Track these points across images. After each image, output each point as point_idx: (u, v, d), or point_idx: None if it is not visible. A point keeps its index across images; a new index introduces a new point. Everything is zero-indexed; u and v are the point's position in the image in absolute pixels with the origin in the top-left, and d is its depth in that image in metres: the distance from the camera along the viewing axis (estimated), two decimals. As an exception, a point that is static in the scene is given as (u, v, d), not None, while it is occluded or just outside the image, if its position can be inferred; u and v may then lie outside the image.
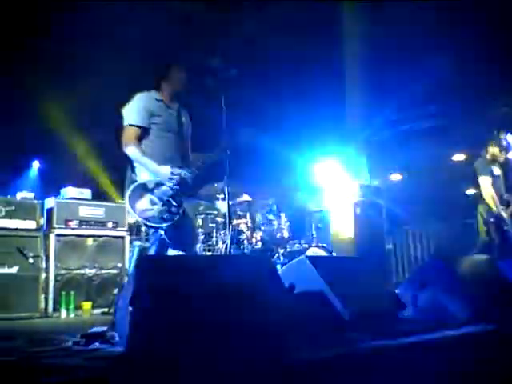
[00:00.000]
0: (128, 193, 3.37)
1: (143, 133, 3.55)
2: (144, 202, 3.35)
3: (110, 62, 8.10)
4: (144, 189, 3.40)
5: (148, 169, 3.47)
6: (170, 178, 3.42)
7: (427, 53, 8.20)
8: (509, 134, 7.11)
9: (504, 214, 5.94)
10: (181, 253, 3.53)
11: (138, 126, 3.53)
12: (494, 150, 6.18)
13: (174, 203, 3.40)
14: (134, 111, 3.57)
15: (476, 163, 6.20)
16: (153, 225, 3.37)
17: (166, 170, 3.44)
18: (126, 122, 3.56)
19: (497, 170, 6.16)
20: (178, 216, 3.40)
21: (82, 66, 7.93)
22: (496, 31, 7.79)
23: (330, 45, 8.40)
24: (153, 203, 3.36)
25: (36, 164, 9.00)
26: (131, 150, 3.49)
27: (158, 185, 3.42)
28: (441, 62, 8.12)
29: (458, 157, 11.70)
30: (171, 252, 3.54)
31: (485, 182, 5.99)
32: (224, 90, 3.67)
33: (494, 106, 8.80)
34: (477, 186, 6.08)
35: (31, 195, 5.95)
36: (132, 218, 3.49)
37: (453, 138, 10.04)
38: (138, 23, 7.52)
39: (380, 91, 8.57)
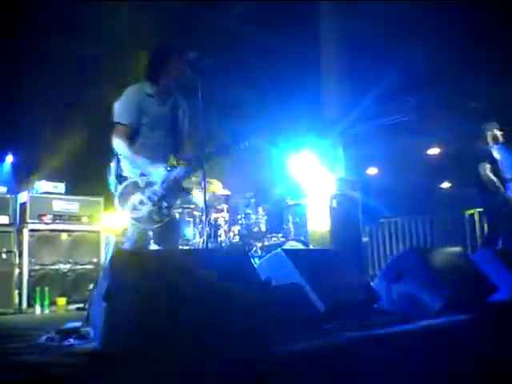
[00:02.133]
0: (119, 191, 3.30)
1: (133, 132, 3.46)
2: (134, 201, 3.29)
3: (85, 54, 7.99)
4: (135, 187, 3.34)
5: (140, 169, 3.38)
6: (163, 181, 3.35)
7: (403, 46, 8.28)
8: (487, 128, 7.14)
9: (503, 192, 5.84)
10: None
11: (128, 125, 3.44)
12: (494, 132, 6.08)
13: (164, 204, 3.35)
14: (124, 109, 3.46)
15: (477, 150, 6.13)
16: (141, 226, 3.30)
17: (159, 172, 3.36)
18: (116, 119, 3.46)
19: (496, 154, 6.05)
20: (168, 218, 3.35)
21: (55, 59, 7.81)
22: (471, 25, 7.91)
23: (306, 37, 8.43)
24: (142, 203, 3.29)
25: (9, 158, 8.84)
26: (122, 148, 3.39)
27: (150, 183, 3.35)
28: (417, 55, 8.20)
29: (434, 150, 11.88)
30: (153, 246, 3.51)
31: (483, 169, 5.92)
32: (201, 83, 3.62)
33: (468, 100, 8.93)
34: (477, 174, 5.98)
35: (4, 189, 5.84)
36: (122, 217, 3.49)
37: (428, 131, 10.17)
38: (115, 19, 7.44)
39: (356, 84, 8.63)
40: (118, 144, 3.41)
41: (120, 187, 3.32)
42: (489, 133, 6.12)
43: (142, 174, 3.41)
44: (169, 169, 3.40)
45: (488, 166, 5.95)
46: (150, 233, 3.44)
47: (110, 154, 3.54)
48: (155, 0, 7.61)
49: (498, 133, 6.10)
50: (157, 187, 3.34)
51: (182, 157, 3.66)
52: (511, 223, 5.90)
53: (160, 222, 3.31)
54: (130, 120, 3.44)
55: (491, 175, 5.92)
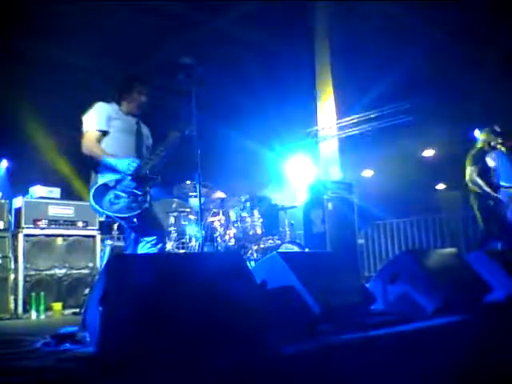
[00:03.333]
0: (91, 194, 3.47)
1: (102, 137, 3.67)
2: (110, 198, 3.46)
3: (79, 62, 7.99)
4: (106, 188, 3.50)
5: (112, 162, 3.54)
6: (131, 174, 3.50)
7: (400, 50, 8.31)
8: (476, 130, 7.21)
9: (495, 195, 5.80)
10: (151, 238, 3.63)
11: (97, 131, 3.66)
12: (487, 137, 6.03)
13: (138, 193, 3.51)
14: (93, 117, 3.69)
15: (468, 155, 6.10)
16: (122, 215, 3.46)
17: (126, 161, 3.54)
18: (85, 128, 3.68)
19: (491, 162, 6.00)
20: (146, 204, 3.51)
21: (51, 66, 7.81)
22: (470, 26, 7.94)
23: (302, 41, 8.45)
24: (118, 197, 3.47)
25: (4, 163, 8.83)
26: (93, 152, 3.60)
27: (118, 181, 3.52)
28: (414, 58, 8.23)
29: (429, 152, 11.92)
30: (142, 246, 3.59)
31: (470, 171, 5.90)
32: (195, 87, 3.68)
33: (464, 102, 8.98)
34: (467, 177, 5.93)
35: (-2, 194, 5.83)
36: (101, 217, 3.78)
37: (423, 133, 10.21)
38: (110, 23, 7.44)
39: (352, 87, 8.65)
40: (86, 147, 3.62)
41: (91, 192, 3.49)
42: (482, 138, 6.13)
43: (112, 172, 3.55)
44: (134, 162, 3.55)
45: (476, 169, 5.94)
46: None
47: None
48: (152, 1, 7.62)
49: (492, 138, 6.09)
50: (126, 181, 3.51)
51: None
52: (502, 226, 5.91)
53: (139, 208, 3.47)
54: (99, 125, 3.66)
55: (478, 179, 5.92)
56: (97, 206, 3.42)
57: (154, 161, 3.65)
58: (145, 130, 3.96)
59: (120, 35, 7.65)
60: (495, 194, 5.86)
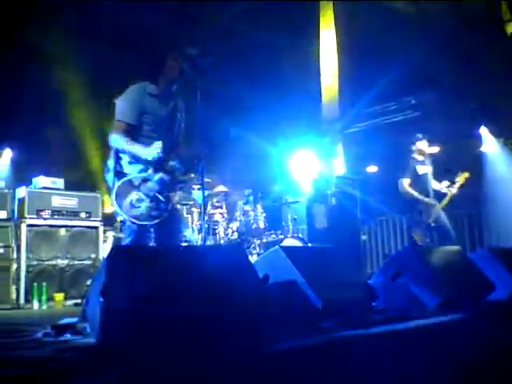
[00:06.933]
0: (114, 190, 3.31)
1: (132, 130, 3.46)
2: (132, 199, 3.30)
3: (85, 52, 7.97)
4: (130, 185, 3.34)
5: (136, 153, 3.38)
6: (157, 173, 3.34)
7: (403, 46, 8.27)
8: (482, 127, 7.25)
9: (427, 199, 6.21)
10: None
11: (128, 124, 3.45)
12: (421, 145, 6.50)
13: (161, 199, 3.37)
14: (125, 107, 3.48)
15: (402, 164, 6.51)
16: (141, 223, 3.31)
17: (155, 146, 3.35)
18: (117, 117, 3.48)
19: (422, 169, 6.41)
20: (166, 212, 3.37)
21: (56, 55, 7.79)
22: (467, 27, 7.90)
23: (306, 36, 8.41)
24: (140, 200, 3.31)
25: (8, 153, 8.83)
26: (119, 141, 3.41)
27: (144, 181, 3.37)
28: (417, 54, 8.20)
29: (434, 149, 11.85)
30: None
31: (400, 184, 6.35)
32: (201, 80, 3.62)
33: (468, 99, 8.92)
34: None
35: (2, 184, 5.84)
36: (119, 217, 3.56)
37: (428, 130, 10.15)
38: (115, 12, 7.41)
39: (356, 83, 8.61)
40: (116, 138, 3.43)
41: (116, 184, 3.33)
42: (414, 147, 6.40)
43: (140, 171, 3.41)
44: (161, 154, 3.36)
45: (407, 180, 6.33)
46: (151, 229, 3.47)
47: (108, 150, 3.54)
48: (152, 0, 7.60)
49: (424, 146, 6.53)
50: (152, 183, 3.36)
51: (177, 158, 3.64)
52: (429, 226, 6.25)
53: (159, 217, 3.33)
54: (131, 118, 3.46)
55: (409, 189, 6.29)
56: (117, 207, 3.27)
57: (183, 170, 3.51)
58: (179, 114, 3.68)
59: (121, 28, 7.63)
60: (427, 199, 6.26)
